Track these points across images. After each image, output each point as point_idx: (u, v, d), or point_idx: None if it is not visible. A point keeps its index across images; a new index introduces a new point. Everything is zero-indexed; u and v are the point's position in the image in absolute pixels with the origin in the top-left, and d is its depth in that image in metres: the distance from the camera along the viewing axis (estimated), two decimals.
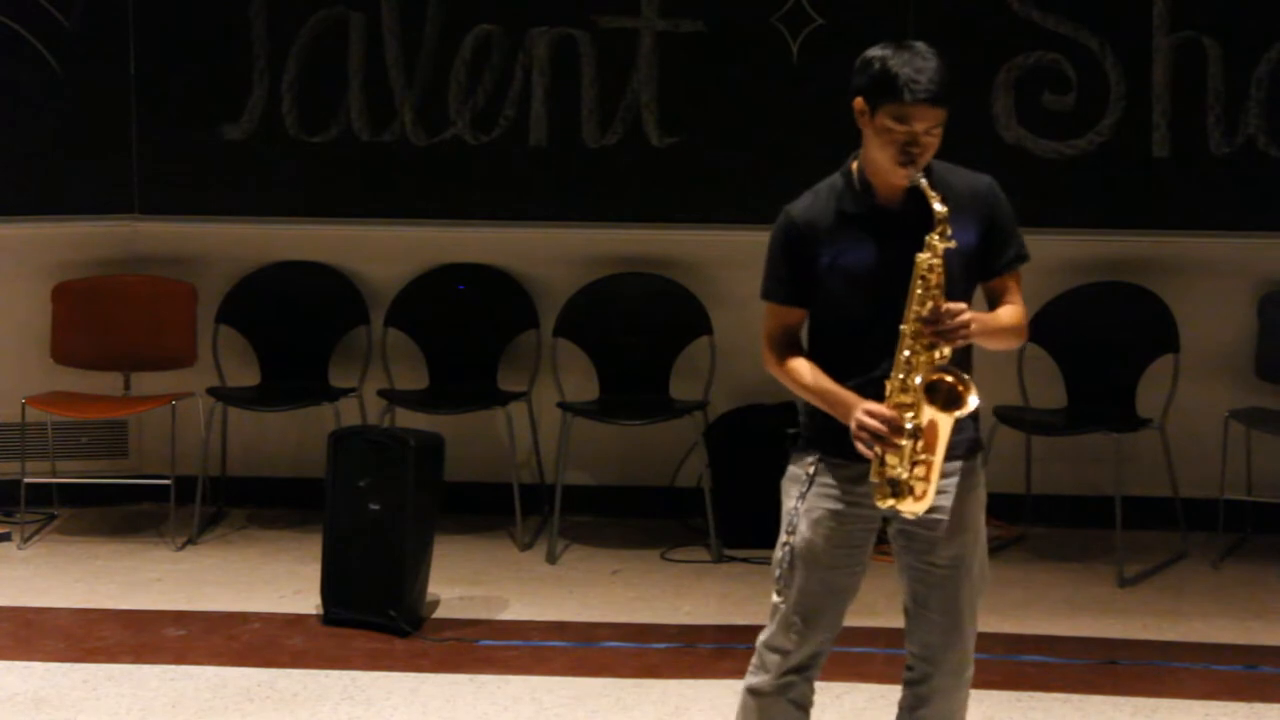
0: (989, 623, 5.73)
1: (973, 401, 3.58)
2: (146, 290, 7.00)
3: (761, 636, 3.82)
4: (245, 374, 6.99)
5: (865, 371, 3.65)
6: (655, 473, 6.81)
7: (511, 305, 6.91)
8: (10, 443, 6.85)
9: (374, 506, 5.69)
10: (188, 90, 6.91)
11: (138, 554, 6.53)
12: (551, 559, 6.46)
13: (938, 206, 3.56)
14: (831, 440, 3.69)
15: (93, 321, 6.94)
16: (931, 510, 3.67)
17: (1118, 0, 6.58)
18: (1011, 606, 5.94)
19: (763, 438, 6.55)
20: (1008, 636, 5.63)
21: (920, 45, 3.63)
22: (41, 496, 6.94)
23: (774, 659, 3.79)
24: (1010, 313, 3.73)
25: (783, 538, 3.76)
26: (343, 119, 6.85)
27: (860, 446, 3.58)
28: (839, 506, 3.72)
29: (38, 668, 5.34)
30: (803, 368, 3.72)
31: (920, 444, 3.57)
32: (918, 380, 3.57)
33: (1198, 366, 6.54)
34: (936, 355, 3.58)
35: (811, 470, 3.74)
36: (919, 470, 3.59)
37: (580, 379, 6.81)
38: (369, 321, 6.95)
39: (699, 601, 5.99)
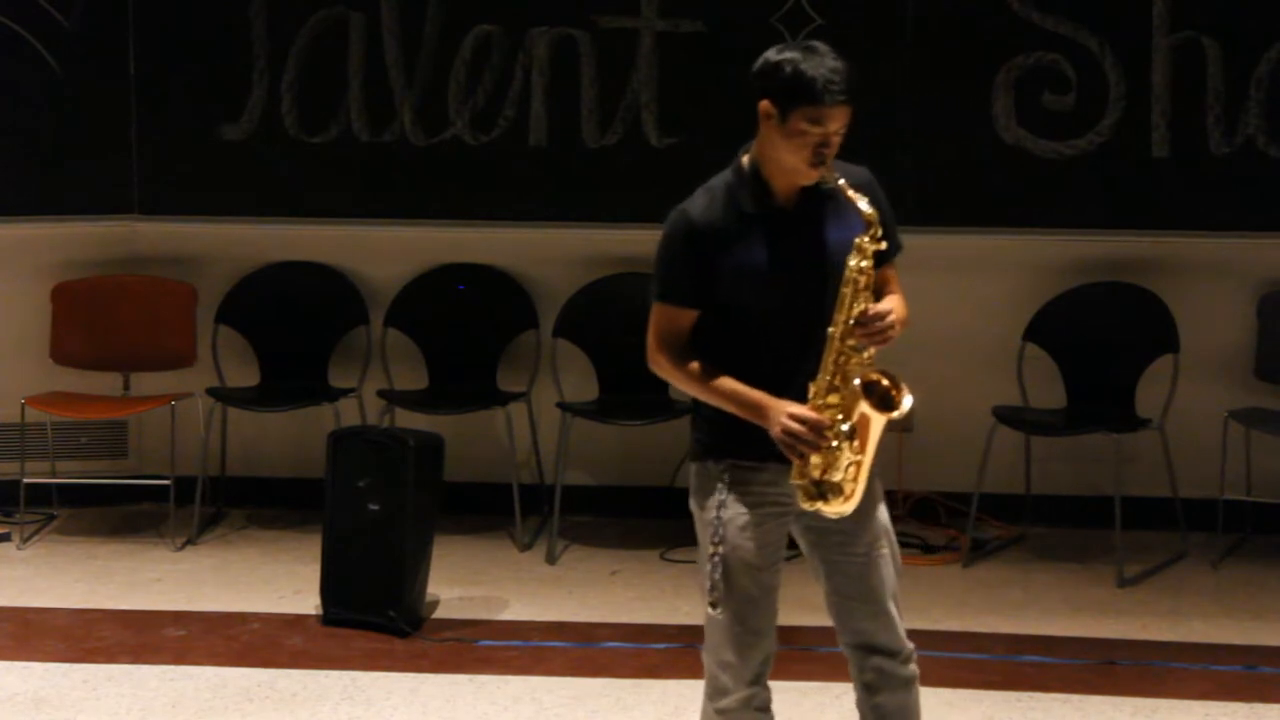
0: (989, 623, 5.78)
1: (907, 402, 3.59)
2: (146, 290, 7.00)
3: (708, 657, 3.79)
4: (245, 374, 6.99)
5: (772, 372, 3.63)
6: (655, 473, 6.80)
7: (511, 305, 6.91)
8: (10, 443, 6.85)
9: (374, 506, 5.69)
10: (188, 90, 6.91)
11: (137, 554, 6.53)
12: (551, 559, 6.46)
13: (865, 208, 3.59)
14: (742, 444, 3.67)
15: (92, 322, 6.94)
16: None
17: (1118, 0, 6.58)
18: (1011, 606, 5.94)
19: None
20: (1007, 636, 5.63)
21: (822, 46, 3.68)
22: (41, 497, 6.93)
23: (729, 677, 3.76)
24: (902, 305, 3.73)
25: (709, 549, 3.71)
26: (342, 119, 6.85)
27: (785, 450, 3.57)
28: (758, 510, 3.72)
29: (37, 668, 5.34)
30: (709, 371, 3.67)
31: (838, 444, 3.58)
32: (856, 382, 3.58)
33: (1197, 366, 6.54)
34: (864, 356, 3.60)
35: (726, 479, 3.72)
36: (850, 471, 3.60)
37: (580, 379, 6.81)
38: (369, 322, 6.95)
39: (698, 601, 5.98)
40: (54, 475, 6.96)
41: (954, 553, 6.49)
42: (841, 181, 3.61)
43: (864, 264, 3.58)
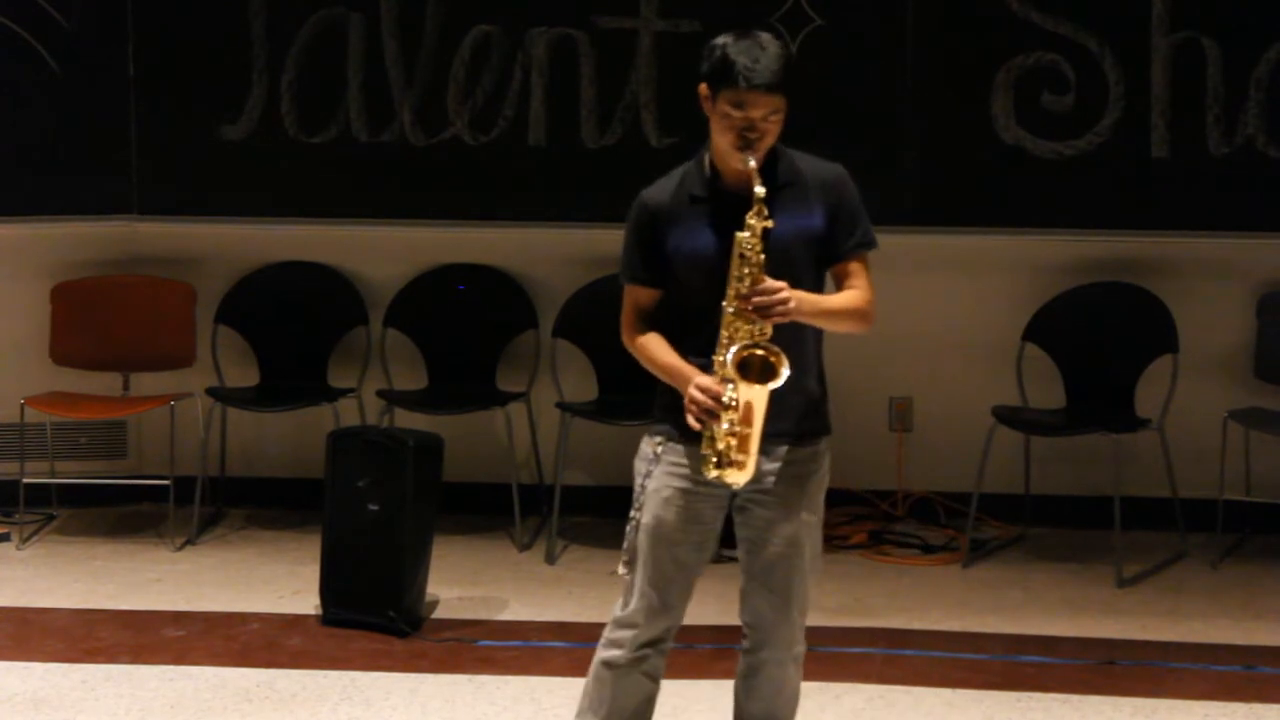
0: (989, 623, 5.78)
1: (784, 374, 3.66)
2: (146, 290, 7.00)
3: (614, 612, 3.95)
4: (244, 374, 6.99)
5: (708, 349, 3.74)
6: None
7: (511, 305, 6.91)
8: (9, 443, 6.85)
9: (373, 507, 5.69)
10: (188, 90, 6.91)
11: (137, 554, 6.53)
12: (550, 559, 6.46)
13: (758, 189, 3.68)
14: (679, 417, 3.77)
15: (92, 322, 6.94)
16: (758, 482, 3.77)
17: (1117, 0, 6.57)
18: (1011, 606, 5.94)
19: None
20: (1007, 637, 5.63)
21: (764, 35, 3.77)
22: (40, 497, 6.94)
23: (627, 634, 3.92)
24: (848, 296, 3.83)
25: (631, 513, 3.87)
26: (342, 119, 6.85)
27: (690, 419, 3.69)
28: (686, 484, 3.83)
29: (37, 668, 5.34)
30: (651, 343, 3.87)
31: (738, 416, 3.65)
32: (729, 355, 3.68)
33: (1197, 367, 6.54)
34: (756, 331, 3.68)
35: (660, 449, 3.86)
36: (734, 442, 3.67)
37: (579, 379, 6.81)
38: (368, 322, 6.95)
39: (697, 601, 5.93)
40: (53, 475, 6.95)
41: (954, 553, 6.49)
42: (752, 164, 3.68)
43: (752, 239, 3.67)
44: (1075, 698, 5.09)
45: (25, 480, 6.74)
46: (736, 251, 3.69)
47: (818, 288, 3.82)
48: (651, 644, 3.94)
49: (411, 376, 6.92)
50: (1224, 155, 6.51)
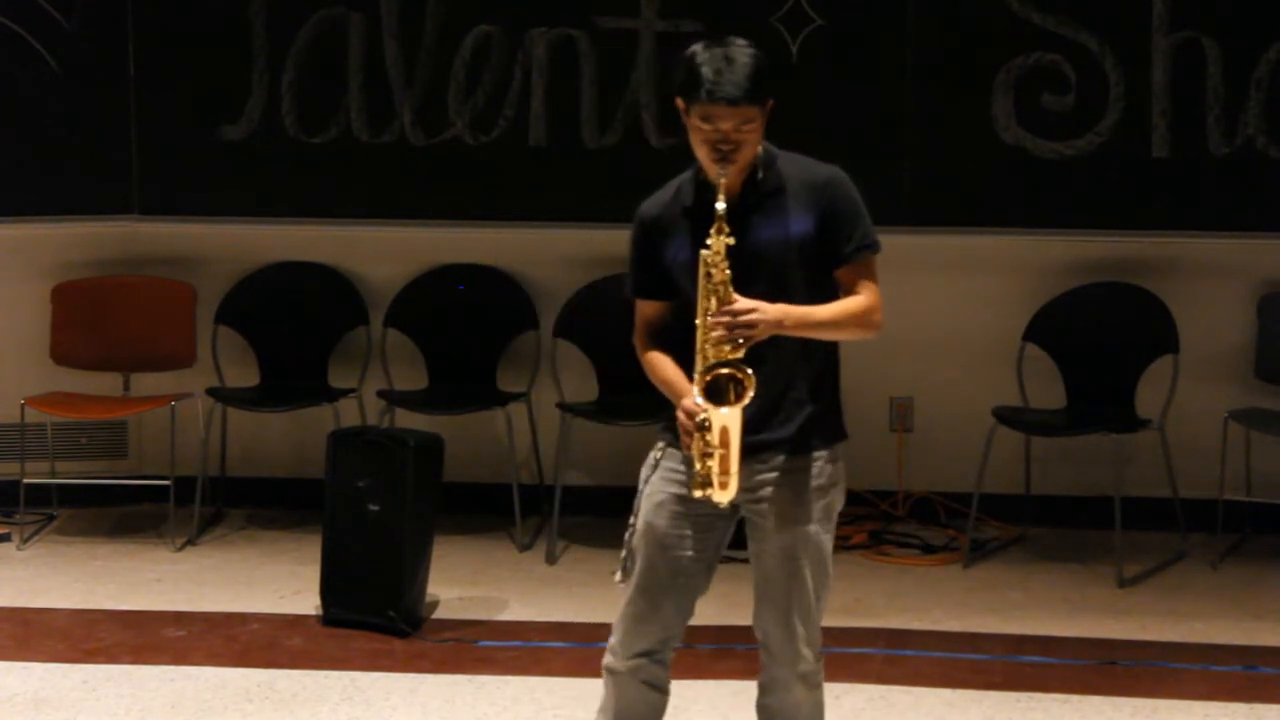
0: (989, 623, 5.78)
1: (750, 394, 3.62)
2: (146, 290, 7.00)
3: (615, 616, 3.93)
4: (245, 374, 6.99)
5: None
6: None
7: (511, 305, 6.91)
8: (9, 443, 6.85)
9: (373, 507, 5.69)
10: (188, 90, 6.91)
11: (137, 554, 6.53)
12: (551, 559, 6.46)
13: (718, 205, 3.63)
14: (677, 429, 3.76)
15: (92, 322, 6.94)
16: (754, 494, 3.75)
17: (1117, 0, 6.58)
18: (1011, 607, 5.94)
19: None
20: (1008, 637, 5.63)
21: (737, 43, 3.76)
22: (41, 497, 6.93)
23: (620, 641, 3.89)
24: (843, 304, 3.74)
25: (630, 520, 3.86)
26: (342, 119, 6.85)
27: (683, 437, 3.67)
28: (683, 490, 3.77)
29: (37, 668, 5.34)
30: (655, 359, 3.84)
31: (712, 436, 3.63)
32: (695, 381, 3.66)
33: (1197, 367, 6.54)
34: (728, 350, 3.64)
35: (659, 455, 3.84)
36: (711, 462, 3.64)
37: (580, 379, 6.81)
38: (368, 322, 6.95)
39: (697, 601, 5.98)
40: (54, 475, 6.95)
41: (954, 553, 6.49)
42: (722, 179, 3.65)
43: (716, 257, 3.63)
44: (1075, 698, 5.09)
45: (26, 480, 6.74)
46: (702, 270, 3.64)
47: (817, 296, 3.72)
48: (645, 654, 3.88)
49: (412, 376, 6.92)
50: (1224, 155, 6.51)
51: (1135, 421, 6.42)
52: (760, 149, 3.76)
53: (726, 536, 3.90)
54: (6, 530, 6.70)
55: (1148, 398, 6.51)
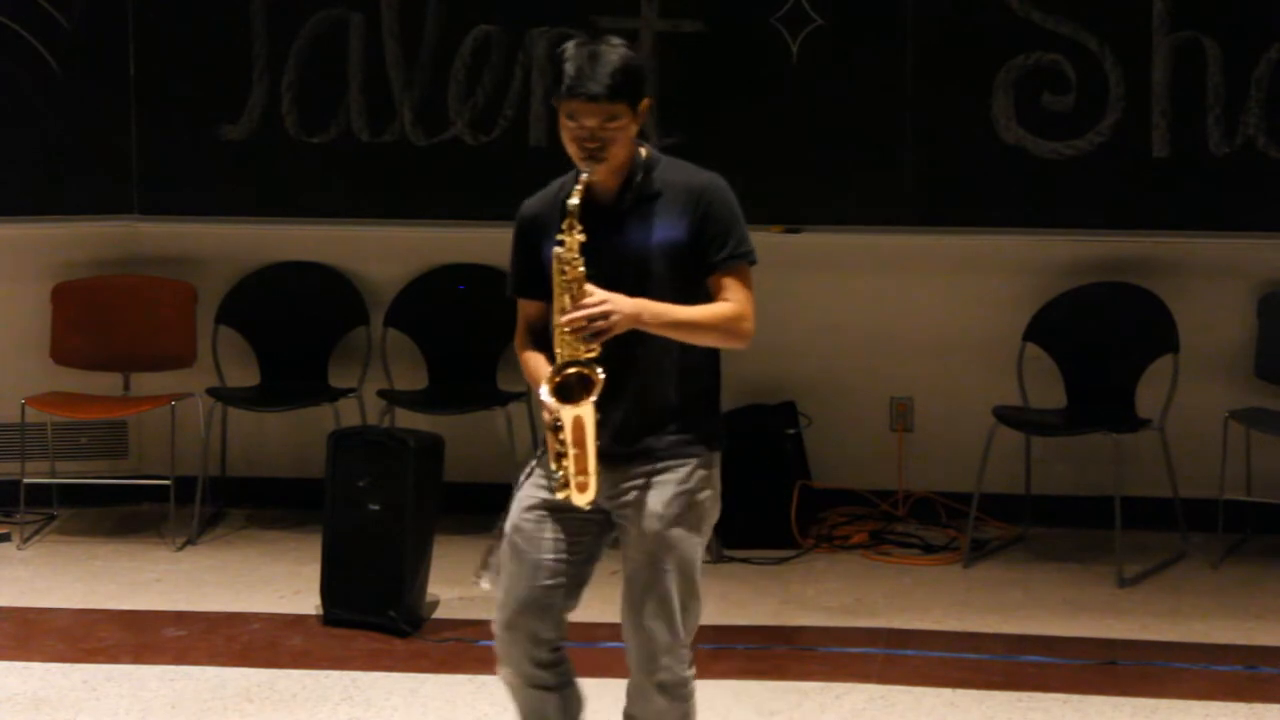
0: (989, 623, 5.77)
1: (597, 391, 3.58)
2: (146, 290, 7.00)
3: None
4: (245, 374, 6.99)
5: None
6: None
7: (511, 305, 6.88)
8: (10, 443, 6.85)
9: (374, 506, 5.69)
10: (188, 90, 6.91)
11: (137, 554, 6.53)
12: None
13: (571, 201, 3.62)
14: None
15: (92, 322, 6.94)
16: (623, 506, 3.73)
17: (1118, 0, 6.57)
18: (1011, 606, 5.94)
19: (762, 438, 6.55)
20: (1008, 636, 5.63)
21: (609, 40, 3.73)
22: (41, 497, 6.93)
23: (501, 648, 3.83)
24: (709, 308, 3.70)
25: (498, 525, 3.83)
26: (342, 119, 6.85)
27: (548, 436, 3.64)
28: (551, 495, 3.74)
29: (37, 668, 5.34)
30: (529, 359, 3.82)
31: (565, 436, 3.60)
32: (543, 380, 3.63)
33: (1197, 367, 6.54)
34: (583, 349, 3.62)
35: (535, 461, 3.81)
36: (566, 463, 3.62)
37: None
38: (369, 322, 6.96)
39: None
40: (54, 475, 6.95)
41: (954, 553, 6.49)
42: (583, 176, 3.63)
43: (568, 254, 3.61)
44: (1076, 698, 5.09)
45: (26, 480, 6.74)
46: (556, 268, 3.62)
47: (685, 304, 3.68)
48: (529, 660, 3.82)
49: (412, 376, 6.92)
50: (1224, 155, 6.51)
51: (1135, 421, 6.41)
52: (643, 152, 3.76)
53: (600, 541, 3.86)
54: (6, 530, 6.70)
55: (1148, 398, 6.51)
